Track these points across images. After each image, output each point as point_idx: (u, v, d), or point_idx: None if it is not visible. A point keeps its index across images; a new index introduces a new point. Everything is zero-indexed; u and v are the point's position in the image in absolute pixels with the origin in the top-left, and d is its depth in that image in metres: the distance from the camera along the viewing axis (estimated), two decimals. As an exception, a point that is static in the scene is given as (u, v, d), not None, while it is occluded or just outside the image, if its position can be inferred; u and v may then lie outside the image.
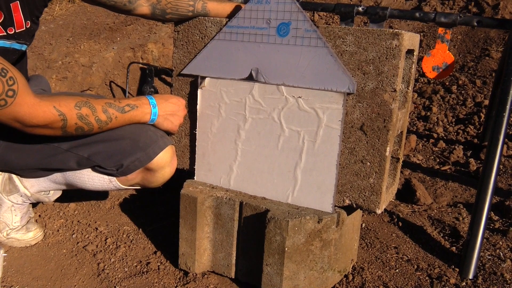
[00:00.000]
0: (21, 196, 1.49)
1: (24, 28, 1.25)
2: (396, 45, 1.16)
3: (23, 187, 1.48)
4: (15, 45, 1.25)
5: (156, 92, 2.54)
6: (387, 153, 1.22)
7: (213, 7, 1.41)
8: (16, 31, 1.23)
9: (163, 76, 2.96)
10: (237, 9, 1.43)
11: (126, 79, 2.73)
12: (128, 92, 2.61)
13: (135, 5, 1.40)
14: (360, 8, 1.83)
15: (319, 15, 4.22)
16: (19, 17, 1.22)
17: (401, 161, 1.41)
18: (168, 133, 1.42)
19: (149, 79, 2.52)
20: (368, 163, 1.25)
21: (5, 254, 1.39)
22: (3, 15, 1.18)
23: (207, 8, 1.41)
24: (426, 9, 3.96)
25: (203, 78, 1.41)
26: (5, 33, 1.20)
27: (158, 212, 1.80)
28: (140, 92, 2.77)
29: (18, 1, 1.21)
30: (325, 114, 1.25)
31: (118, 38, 3.15)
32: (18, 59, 1.34)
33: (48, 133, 1.18)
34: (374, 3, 4.23)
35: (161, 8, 1.41)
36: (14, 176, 1.47)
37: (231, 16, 1.43)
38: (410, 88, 1.35)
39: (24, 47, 1.29)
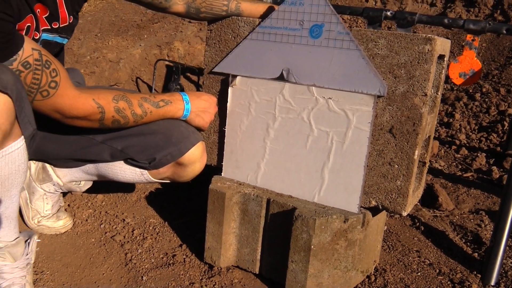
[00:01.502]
0: (53, 185, 1.53)
1: (67, 23, 1.28)
2: (428, 50, 1.17)
3: (56, 176, 1.52)
4: (57, 39, 1.29)
5: (182, 89, 2.57)
6: (416, 157, 1.23)
7: (247, 7, 1.44)
8: (60, 25, 1.26)
9: (188, 74, 3.00)
10: (269, 9, 1.45)
11: (152, 76, 2.77)
12: (154, 89, 2.65)
13: (170, 3, 1.43)
14: (388, 13, 1.83)
15: (342, 19, 4.21)
16: (64, 12, 1.26)
17: (427, 165, 1.42)
18: (199, 129, 1.44)
19: (176, 76, 2.55)
20: (396, 166, 1.26)
21: (39, 240, 1.43)
22: (48, 10, 1.21)
23: (241, 8, 1.43)
24: (451, 15, 3.93)
25: (234, 76, 1.44)
26: (49, 27, 1.23)
27: (183, 206, 1.83)
28: (166, 89, 2.81)
29: None
30: (355, 116, 1.27)
31: (145, 36, 3.19)
32: (58, 52, 1.38)
33: (86, 124, 1.22)
34: (399, 8, 4.21)
35: (196, 6, 1.44)
36: (47, 165, 1.51)
37: (263, 16, 1.45)
38: (439, 93, 1.36)
39: (65, 41, 1.32)
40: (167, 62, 2.91)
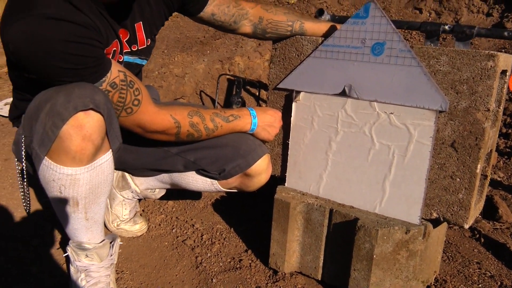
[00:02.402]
0: (131, 192, 1.63)
1: (145, 45, 1.37)
2: (491, 66, 1.16)
3: (134, 184, 1.61)
4: (137, 60, 1.37)
5: (243, 102, 2.64)
6: (478, 171, 1.22)
7: (310, 27, 1.47)
8: (139, 48, 1.35)
9: (248, 87, 3.06)
10: (331, 28, 1.48)
11: (215, 89, 2.86)
12: (217, 102, 2.73)
13: (239, 25, 1.49)
14: (446, 27, 1.81)
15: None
16: (142, 35, 1.34)
17: (488, 178, 1.39)
18: (264, 141, 1.49)
19: (237, 90, 2.62)
20: (458, 179, 1.25)
21: (121, 243, 1.52)
22: (128, 34, 1.30)
23: (304, 28, 1.47)
24: (508, 25, 3.79)
25: (298, 92, 1.47)
26: (129, 50, 1.32)
27: (246, 213, 1.88)
28: (228, 102, 2.88)
29: (141, 22, 1.33)
30: (417, 130, 1.27)
31: (208, 51, 3.30)
32: (137, 73, 1.47)
33: (163, 138, 1.29)
34: (454, 18, 4.11)
35: (262, 27, 1.49)
36: (126, 174, 1.61)
37: (326, 35, 1.48)
38: (501, 107, 1.33)
39: (144, 62, 1.41)
40: (228, 76, 2.99)
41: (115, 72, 1.13)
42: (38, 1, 1.00)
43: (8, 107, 2.88)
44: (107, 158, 1.15)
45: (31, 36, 0.97)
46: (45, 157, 1.07)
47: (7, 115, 2.79)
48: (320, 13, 1.90)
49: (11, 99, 3.09)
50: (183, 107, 1.32)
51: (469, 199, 1.24)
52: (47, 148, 1.05)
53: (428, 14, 4.14)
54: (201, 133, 1.32)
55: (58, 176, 1.08)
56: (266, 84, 3.24)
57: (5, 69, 3.79)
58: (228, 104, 2.93)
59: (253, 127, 1.43)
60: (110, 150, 1.17)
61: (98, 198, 1.18)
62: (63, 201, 1.12)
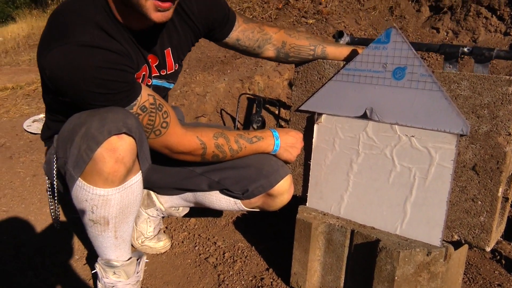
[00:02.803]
0: (156, 210, 1.66)
1: (174, 70, 1.41)
2: (512, 92, 1.17)
3: (159, 202, 1.64)
4: (165, 84, 1.42)
5: (263, 121, 2.67)
6: (499, 194, 1.22)
7: (332, 51, 1.50)
8: (167, 72, 1.39)
9: (268, 105, 3.09)
10: (353, 52, 1.50)
11: (236, 108, 2.89)
12: (237, 120, 2.77)
13: (263, 49, 1.52)
14: (465, 49, 1.81)
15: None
16: (171, 61, 1.39)
17: (510, 200, 1.39)
18: (286, 162, 1.51)
19: (258, 109, 2.65)
20: (479, 202, 1.25)
21: (147, 260, 1.55)
22: (158, 59, 1.35)
23: (326, 52, 1.49)
24: (526, 44, 3.77)
25: (320, 114, 1.49)
26: (158, 74, 1.37)
27: (267, 232, 1.90)
28: (248, 121, 2.92)
29: (170, 48, 1.38)
30: (438, 153, 1.28)
31: (229, 70, 3.35)
32: (164, 95, 1.51)
33: (189, 159, 1.33)
34: (471, 38, 4.10)
35: (285, 52, 1.52)
36: (152, 192, 1.64)
37: (347, 58, 1.50)
38: (522, 130, 1.33)
39: (171, 86, 1.45)
40: (248, 95, 3.03)
41: (145, 96, 1.17)
42: (75, 29, 1.05)
43: (36, 124, 2.97)
44: (137, 179, 1.19)
45: (67, 63, 1.01)
46: (79, 178, 1.11)
47: (35, 132, 2.87)
48: (340, 35, 1.93)
49: (38, 116, 3.18)
50: (208, 128, 1.35)
51: (490, 222, 1.24)
52: (81, 169, 1.09)
53: (446, 34, 4.15)
54: (225, 154, 1.35)
55: (90, 196, 1.12)
56: (285, 103, 3.27)
57: (32, 87, 3.91)
58: (248, 122, 2.97)
59: (276, 148, 1.45)
60: (140, 171, 1.20)
61: (127, 218, 1.21)
62: (95, 220, 1.16)
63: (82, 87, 1.04)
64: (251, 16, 4.79)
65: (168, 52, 1.38)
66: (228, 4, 1.44)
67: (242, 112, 3.07)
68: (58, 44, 1.03)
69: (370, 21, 4.33)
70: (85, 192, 1.12)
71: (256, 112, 2.68)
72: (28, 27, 9.36)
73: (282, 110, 3.11)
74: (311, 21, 4.22)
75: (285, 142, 1.46)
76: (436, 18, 4.18)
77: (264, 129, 1.46)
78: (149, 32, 1.25)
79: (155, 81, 1.38)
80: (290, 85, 3.43)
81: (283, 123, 3.04)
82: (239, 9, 4.94)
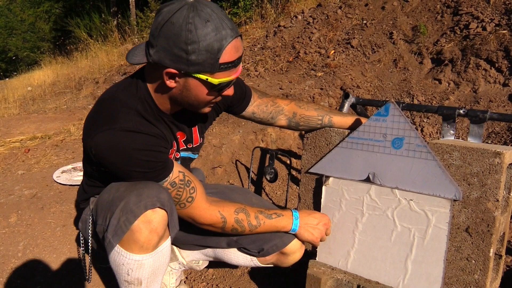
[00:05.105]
0: (178, 263, 1.77)
1: (198, 143, 1.57)
2: (498, 163, 1.29)
3: (181, 256, 1.76)
4: (191, 155, 1.57)
5: (276, 172, 2.80)
6: (491, 254, 1.32)
7: (338, 120, 1.64)
8: (193, 145, 1.55)
9: (280, 156, 3.24)
10: (356, 122, 1.65)
11: (250, 159, 3.04)
12: (252, 171, 2.91)
13: (276, 120, 1.67)
14: (461, 111, 1.95)
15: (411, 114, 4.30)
16: (196, 136, 1.54)
17: (503, 258, 1.48)
18: (309, 243, 1.59)
19: (270, 161, 2.80)
20: (473, 261, 1.35)
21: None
22: (185, 135, 1.50)
23: (333, 121, 1.64)
24: (525, 95, 3.89)
25: (328, 177, 1.63)
26: (185, 147, 1.52)
27: (279, 281, 1.99)
28: (262, 172, 3.06)
29: (197, 126, 1.54)
30: (434, 216, 1.39)
31: (243, 123, 3.52)
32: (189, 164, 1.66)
33: (210, 229, 1.44)
34: (471, 89, 4.24)
35: (296, 121, 1.67)
36: (175, 247, 1.77)
37: (351, 127, 1.64)
38: (511, 194, 1.45)
39: (196, 156, 1.60)
40: (262, 148, 3.18)
41: (176, 172, 1.31)
42: (120, 116, 1.21)
43: (64, 175, 3.14)
44: (167, 244, 1.32)
45: (113, 145, 1.18)
46: (117, 245, 1.24)
47: (64, 183, 3.03)
48: (346, 96, 2.09)
49: (67, 167, 3.34)
50: (232, 204, 1.46)
51: (484, 280, 1.34)
52: (120, 238, 1.22)
53: (447, 85, 4.29)
54: (244, 228, 1.46)
55: (127, 261, 1.25)
56: (296, 153, 3.42)
57: (60, 137, 4.11)
58: (261, 173, 3.10)
59: (294, 228, 1.53)
60: (170, 237, 1.33)
61: (157, 277, 1.33)
62: (129, 281, 1.28)
63: (124, 166, 1.20)
64: (263, 69, 5.01)
65: (195, 129, 1.54)
66: (244, 83, 1.61)
67: (256, 163, 3.22)
68: (105, 128, 1.20)
69: (375, 73, 4.51)
70: (122, 258, 1.25)
71: (269, 164, 2.82)
72: (53, 74, 9.76)
73: (293, 160, 3.25)
74: (319, 74, 4.42)
75: (305, 223, 1.54)
76: (438, 70, 4.34)
77: (285, 209, 1.57)
78: (181, 114, 1.41)
79: (182, 154, 1.53)
80: (301, 136, 3.58)
81: (294, 173, 3.17)
82: (252, 61, 5.17)
